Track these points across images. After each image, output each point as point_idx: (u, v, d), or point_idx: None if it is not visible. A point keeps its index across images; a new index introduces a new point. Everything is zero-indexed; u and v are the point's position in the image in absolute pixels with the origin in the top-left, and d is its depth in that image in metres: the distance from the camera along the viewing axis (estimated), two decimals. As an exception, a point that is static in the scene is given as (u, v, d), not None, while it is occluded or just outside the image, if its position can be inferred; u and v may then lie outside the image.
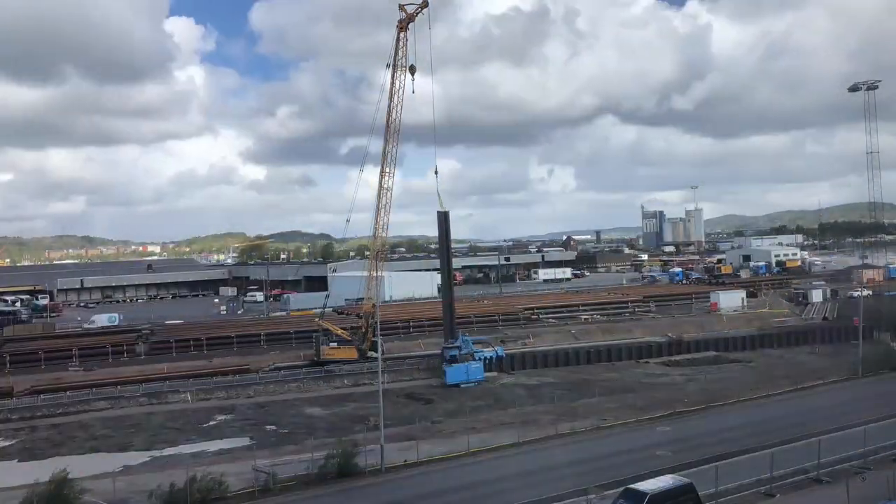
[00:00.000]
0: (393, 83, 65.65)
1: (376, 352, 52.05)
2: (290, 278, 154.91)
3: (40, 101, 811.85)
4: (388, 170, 67.27)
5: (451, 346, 65.01)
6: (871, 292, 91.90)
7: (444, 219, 69.27)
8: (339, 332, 71.00)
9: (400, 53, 65.46)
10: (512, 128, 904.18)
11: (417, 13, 64.89)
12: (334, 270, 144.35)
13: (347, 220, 71.54)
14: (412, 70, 65.00)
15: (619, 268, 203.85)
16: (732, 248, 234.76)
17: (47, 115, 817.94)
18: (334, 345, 69.78)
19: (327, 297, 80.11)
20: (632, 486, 27.74)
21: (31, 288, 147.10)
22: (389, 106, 66.18)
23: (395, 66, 65.65)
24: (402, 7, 65.31)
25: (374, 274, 69.60)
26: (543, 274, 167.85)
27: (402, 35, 65.38)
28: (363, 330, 70.22)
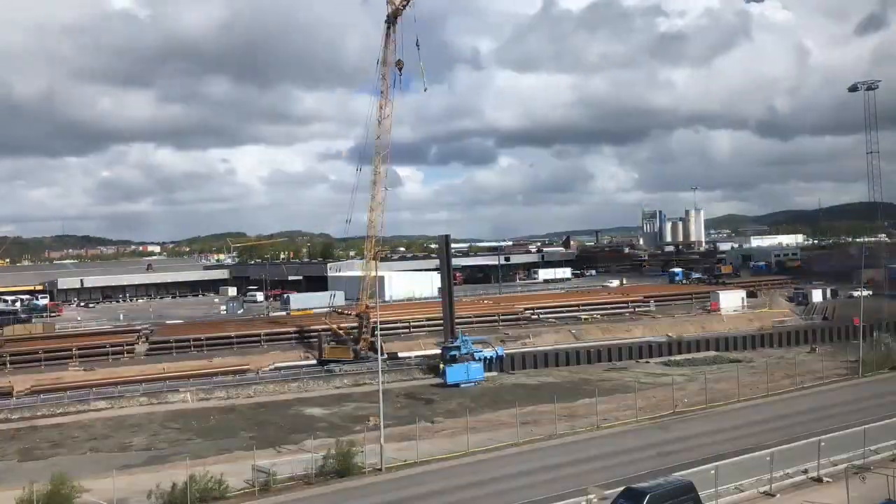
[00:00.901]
0: (384, 79, 66.00)
1: (375, 352, 52.13)
2: (290, 278, 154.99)
3: (226, 102, 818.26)
4: (380, 169, 67.58)
5: (450, 345, 65.07)
6: (871, 292, 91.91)
7: (445, 242, 74.86)
8: (341, 332, 71.35)
9: (390, 48, 65.74)
10: (611, 130, 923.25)
11: (403, 7, 64.92)
12: (339, 270, 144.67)
13: (348, 221, 71.64)
14: (399, 65, 65.34)
15: (619, 268, 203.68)
16: (732, 248, 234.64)
17: (217, 116, 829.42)
18: (333, 344, 70.24)
19: (333, 296, 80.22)
20: (632, 485, 27.79)
21: (31, 288, 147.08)
22: (381, 102, 66.43)
23: (384, 62, 66.07)
24: (389, 0, 65.34)
25: (370, 274, 69.76)
26: (543, 274, 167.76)
27: (390, 29, 65.58)
28: (358, 330, 70.40)
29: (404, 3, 64.64)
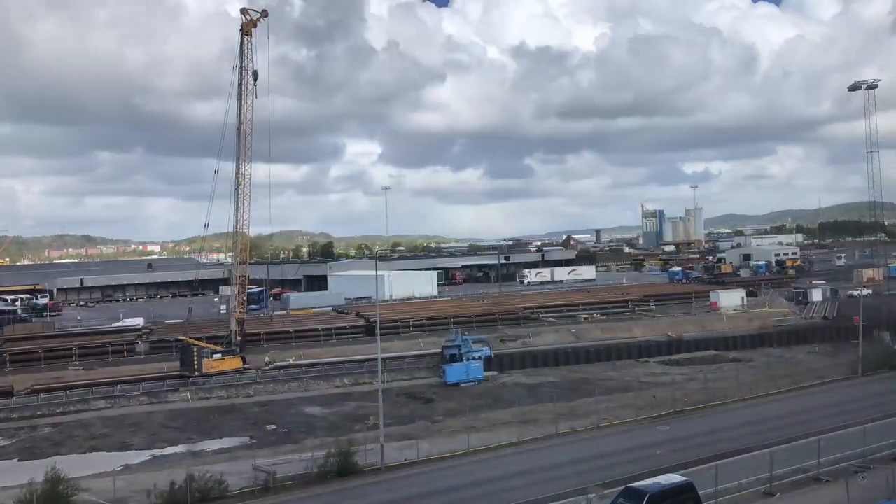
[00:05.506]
0: (240, 85, 68.61)
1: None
2: (290, 277, 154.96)
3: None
4: (245, 171, 69.74)
5: (450, 344, 65.06)
6: (870, 291, 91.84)
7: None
8: (207, 344, 68.03)
9: (245, 58, 68.51)
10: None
11: (259, 20, 68.39)
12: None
13: None
14: (255, 76, 68.68)
15: (618, 267, 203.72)
16: (732, 247, 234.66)
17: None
18: (218, 356, 66.41)
19: (190, 310, 79.83)
20: (631, 485, 27.77)
21: (31, 287, 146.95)
22: (239, 106, 68.81)
23: (240, 69, 68.74)
24: (244, 12, 68.32)
25: (237, 275, 72.06)
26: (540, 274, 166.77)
27: (245, 39, 68.35)
28: (238, 338, 70.64)
29: (259, 17, 68.57)
